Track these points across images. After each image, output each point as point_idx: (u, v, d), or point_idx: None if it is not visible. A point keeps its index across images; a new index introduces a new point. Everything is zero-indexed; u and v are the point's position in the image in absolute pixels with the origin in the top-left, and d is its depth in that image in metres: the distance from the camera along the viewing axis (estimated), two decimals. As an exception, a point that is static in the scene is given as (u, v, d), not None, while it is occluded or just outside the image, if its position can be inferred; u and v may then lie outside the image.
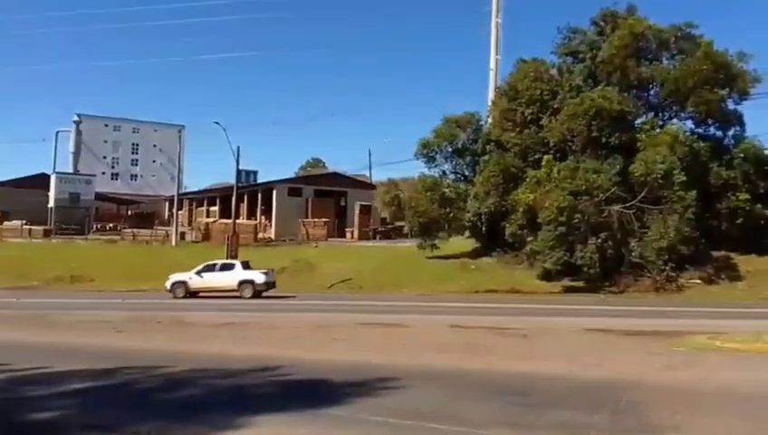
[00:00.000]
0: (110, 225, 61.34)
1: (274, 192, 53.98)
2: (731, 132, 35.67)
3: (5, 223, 54.17)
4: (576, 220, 29.37)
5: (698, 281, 30.02)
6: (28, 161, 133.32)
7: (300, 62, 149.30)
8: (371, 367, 10.28)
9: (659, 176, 29.37)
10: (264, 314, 20.75)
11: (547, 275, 31.01)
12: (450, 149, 38.69)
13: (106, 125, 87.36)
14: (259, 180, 56.94)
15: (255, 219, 54.90)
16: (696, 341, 13.13)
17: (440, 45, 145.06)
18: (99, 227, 59.34)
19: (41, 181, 58.99)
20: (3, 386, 8.93)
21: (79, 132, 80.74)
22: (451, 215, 36.55)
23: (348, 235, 51.38)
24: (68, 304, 24.41)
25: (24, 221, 53.42)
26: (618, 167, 31.07)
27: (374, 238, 49.32)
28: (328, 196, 56.01)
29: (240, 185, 45.70)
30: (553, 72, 36.29)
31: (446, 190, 37.61)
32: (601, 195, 29.86)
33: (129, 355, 11.93)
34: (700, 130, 35.25)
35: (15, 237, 50.71)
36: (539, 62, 36.39)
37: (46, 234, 52.36)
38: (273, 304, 25.42)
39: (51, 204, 57.09)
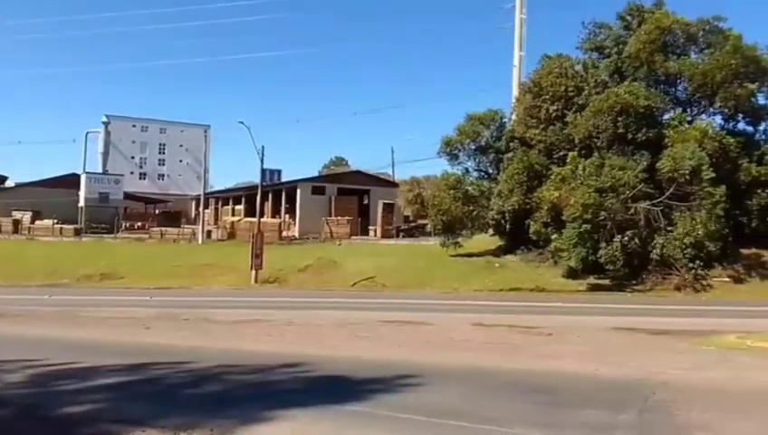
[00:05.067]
0: (139, 223, 62.34)
1: (298, 191, 54.26)
2: (761, 127, 35.01)
3: (37, 222, 55.41)
4: (602, 218, 28.99)
5: (727, 279, 29.41)
6: (59, 162, 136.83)
7: (322, 61, 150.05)
8: (395, 364, 10.32)
9: (687, 172, 28.80)
10: (289, 311, 20.91)
11: (572, 274, 30.65)
12: (473, 147, 38.43)
13: (134, 126, 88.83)
14: (283, 179, 57.09)
15: (280, 218, 55.27)
16: (726, 340, 12.89)
17: (463, 43, 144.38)
18: (127, 225, 60.33)
19: (71, 181, 60.17)
20: (35, 381, 9.15)
21: (107, 133, 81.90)
22: (474, 213, 36.32)
23: (371, 233, 51.42)
24: (98, 302, 24.89)
25: (55, 220, 54.58)
26: (644, 163, 30.56)
27: (397, 236, 49.26)
28: (351, 194, 56.09)
29: (264, 184, 45.95)
30: (578, 67, 35.85)
31: (470, 188, 37.37)
32: (627, 192, 29.42)
33: (157, 351, 12.14)
34: (729, 126, 34.52)
35: (47, 236, 51.87)
36: (563, 57, 35.98)
37: (77, 233, 53.41)
38: (297, 301, 25.59)
39: (81, 203, 58.21)
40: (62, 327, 16.79)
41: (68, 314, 20.54)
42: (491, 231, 38.56)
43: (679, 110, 34.42)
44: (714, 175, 28.75)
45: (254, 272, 34.50)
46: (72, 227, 54.10)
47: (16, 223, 54.93)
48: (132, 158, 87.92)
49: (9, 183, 75.22)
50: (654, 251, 29.59)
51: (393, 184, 58.24)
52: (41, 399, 7.82)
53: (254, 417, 6.72)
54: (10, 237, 51.59)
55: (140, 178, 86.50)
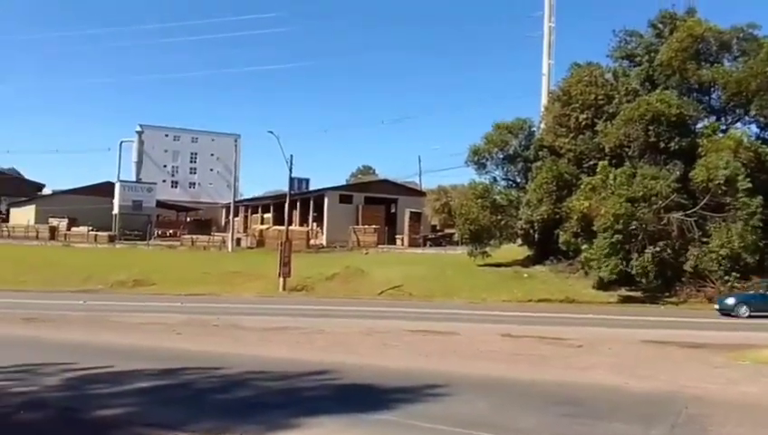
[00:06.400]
0: (170, 231, 63.46)
1: (326, 199, 54.66)
2: (799, 136, 34.08)
3: (73, 229, 56.81)
4: (633, 228, 28.55)
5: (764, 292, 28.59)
6: (95, 170, 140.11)
7: (350, 71, 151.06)
8: (422, 373, 10.30)
9: (722, 182, 28.25)
10: (317, 319, 21.04)
11: (603, 285, 30.19)
12: (501, 156, 38.26)
13: (166, 135, 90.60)
14: (311, 188, 57.58)
15: (307, 226, 55.71)
16: (762, 354, 12.56)
17: (491, 51, 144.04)
18: (159, 233, 61.47)
19: (106, 189, 61.61)
20: (70, 384, 9.39)
21: (141, 142, 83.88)
22: (502, 222, 36.10)
23: (398, 241, 51.47)
24: (130, 307, 25.40)
25: (90, 227, 55.90)
26: (677, 173, 30.05)
27: (424, 245, 49.21)
28: (378, 203, 56.27)
29: (293, 192, 46.47)
30: (608, 75, 35.49)
31: (498, 197, 37.19)
32: (660, 202, 28.94)
33: (188, 357, 12.34)
34: (765, 135, 33.75)
35: (82, 243, 53.16)
36: (593, 66, 35.65)
37: (111, 239, 54.63)
38: (325, 309, 25.72)
39: (115, 211, 59.53)
40: (96, 332, 17.17)
41: (102, 319, 21.00)
42: (519, 241, 38.26)
43: (713, 118, 33.82)
44: (750, 185, 28.13)
45: (282, 280, 34.82)
46: (106, 234, 55.35)
47: (53, 230, 56.41)
48: (165, 166, 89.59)
49: (46, 191, 77.29)
50: (688, 263, 29.00)
51: (420, 193, 58.22)
52: (76, 401, 8.03)
53: (282, 423, 6.80)
54: (47, 244, 53.01)
55: (172, 187, 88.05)
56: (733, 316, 24.21)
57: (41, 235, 55.51)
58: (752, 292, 26.52)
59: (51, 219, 57.80)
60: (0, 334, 16.69)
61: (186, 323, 19.33)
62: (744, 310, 24.66)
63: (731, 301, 25.43)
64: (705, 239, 29.09)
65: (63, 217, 57.77)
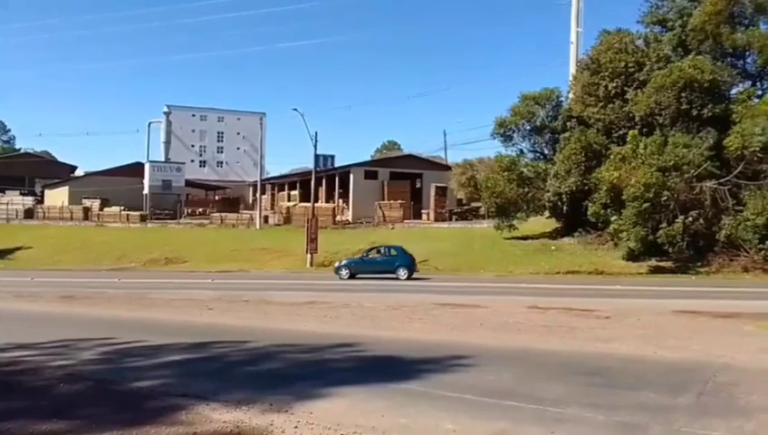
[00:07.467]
0: (200, 209, 64.43)
1: (351, 175, 54.73)
2: (840, 100, 32.81)
3: (106, 209, 58.13)
4: (664, 198, 28.02)
5: (363, 257, 29.13)
6: (125, 151, 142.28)
7: (374, 46, 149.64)
8: (448, 345, 10.36)
9: (758, 149, 27.46)
10: (343, 293, 21.27)
11: (633, 256, 29.81)
12: (528, 128, 37.72)
13: (193, 115, 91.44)
14: (336, 164, 57.68)
15: (333, 202, 55.95)
16: (796, 324, 12.31)
17: (518, 21, 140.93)
18: (189, 211, 62.50)
19: (136, 170, 62.70)
20: (107, 357, 9.72)
21: (169, 123, 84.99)
22: (529, 195, 35.76)
23: (424, 216, 51.42)
24: (163, 284, 26.03)
25: (122, 207, 57.15)
26: (710, 141, 29.29)
27: (450, 220, 49.08)
28: (403, 178, 56.11)
29: (318, 169, 46.61)
30: (639, 42, 34.55)
31: (525, 169, 36.77)
32: (692, 171, 28.29)
33: (219, 331, 12.62)
34: (805, 99, 32.55)
35: (115, 222, 54.46)
36: (623, 32, 34.74)
37: (142, 219, 55.81)
38: (351, 284, 25.98)
39: (146, 191, 60.63)
40: (131, 308, 17.67)
41: (136, 295, 21.57)
42: (547, 213, 37.90)
43: (748, 84, 32.81)
44: (787, 151, 27.32)
45: (309, 256, 35.25)
46: (137, 213, 56.53)
47: (86, 210, 57.81)
48: (192, 146, 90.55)
49: (79, 172, 78.99)
50: (721, 232, 28.42)
51: (446, 167, 57.87)
52: (112, 374, 8.30)
53: (311, 393, 6.94)
54: (81, 224, 54.44)
55: (200, 166, 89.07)
56: (341, 278, 27.81)
57: (75, 215, 56.97)
58: (357, 257, 29.84)
59: (84, 200, 59.18)
60: (39, 312, 17.34)
61: (216, 298, 19.73)
62: (344, 272, 28.36)
63: (337, 264, 29.18)
64: (739, 208, 28.43)
65: (96, 198, 59.10)
